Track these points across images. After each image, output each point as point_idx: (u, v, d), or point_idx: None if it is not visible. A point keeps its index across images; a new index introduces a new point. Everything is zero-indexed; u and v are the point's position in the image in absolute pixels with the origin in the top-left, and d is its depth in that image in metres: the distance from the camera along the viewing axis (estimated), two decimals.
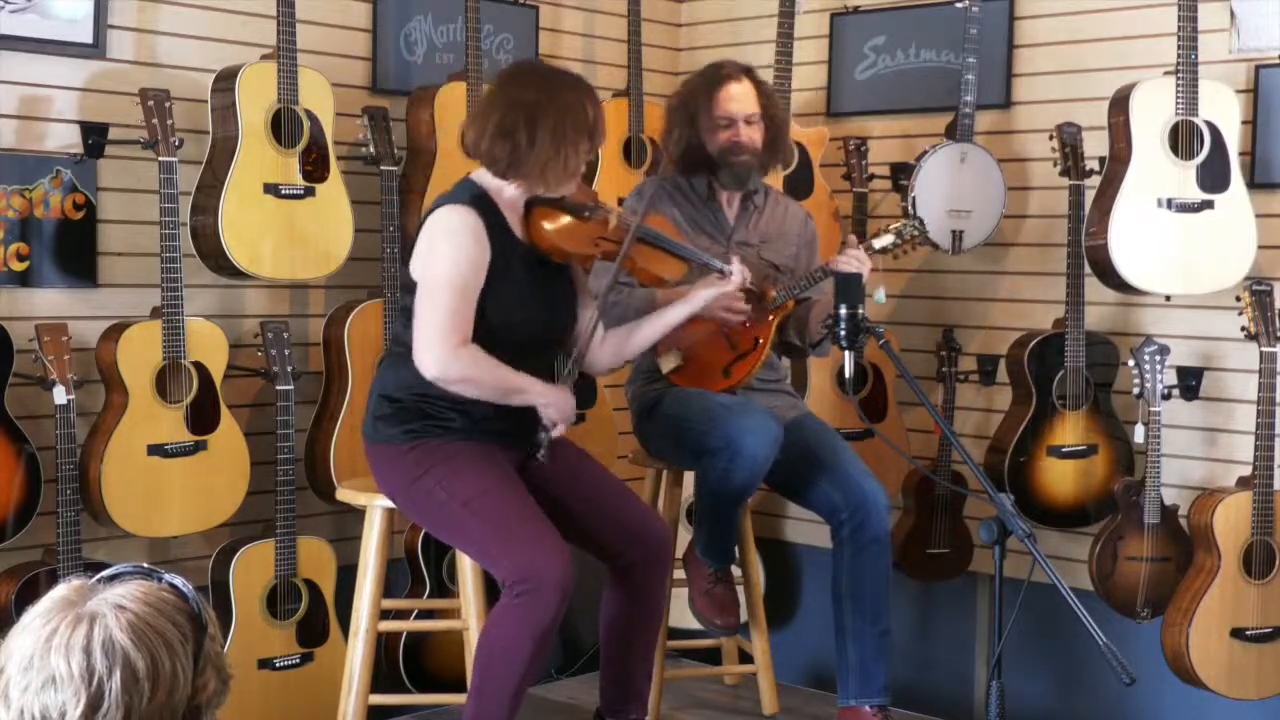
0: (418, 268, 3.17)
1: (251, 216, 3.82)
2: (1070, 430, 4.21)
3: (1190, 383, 4.17)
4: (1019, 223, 4.49)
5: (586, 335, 3.31)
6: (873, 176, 4.62)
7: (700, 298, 3.45)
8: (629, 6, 4.72)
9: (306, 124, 3.90)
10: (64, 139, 3.78)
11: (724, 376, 3.75)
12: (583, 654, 4.71)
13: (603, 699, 3.49)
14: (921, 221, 3.86)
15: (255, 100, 3.82)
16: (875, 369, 4.56)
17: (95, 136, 3.78)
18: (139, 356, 3.68)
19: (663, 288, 3.52)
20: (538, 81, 3.23)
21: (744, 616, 3.94)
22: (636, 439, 3.92)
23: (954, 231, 4.29)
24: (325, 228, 3.95)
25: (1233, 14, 4.08)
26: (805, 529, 4.88)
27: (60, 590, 1.53)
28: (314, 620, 3.98)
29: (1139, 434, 4.02)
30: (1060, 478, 4.22)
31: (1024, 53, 4.50)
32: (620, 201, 4.49)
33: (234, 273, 3.86)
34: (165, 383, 3.71)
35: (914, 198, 4.24)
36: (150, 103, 3.67)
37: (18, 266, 3.71)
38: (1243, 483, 3.97)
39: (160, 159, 3.66)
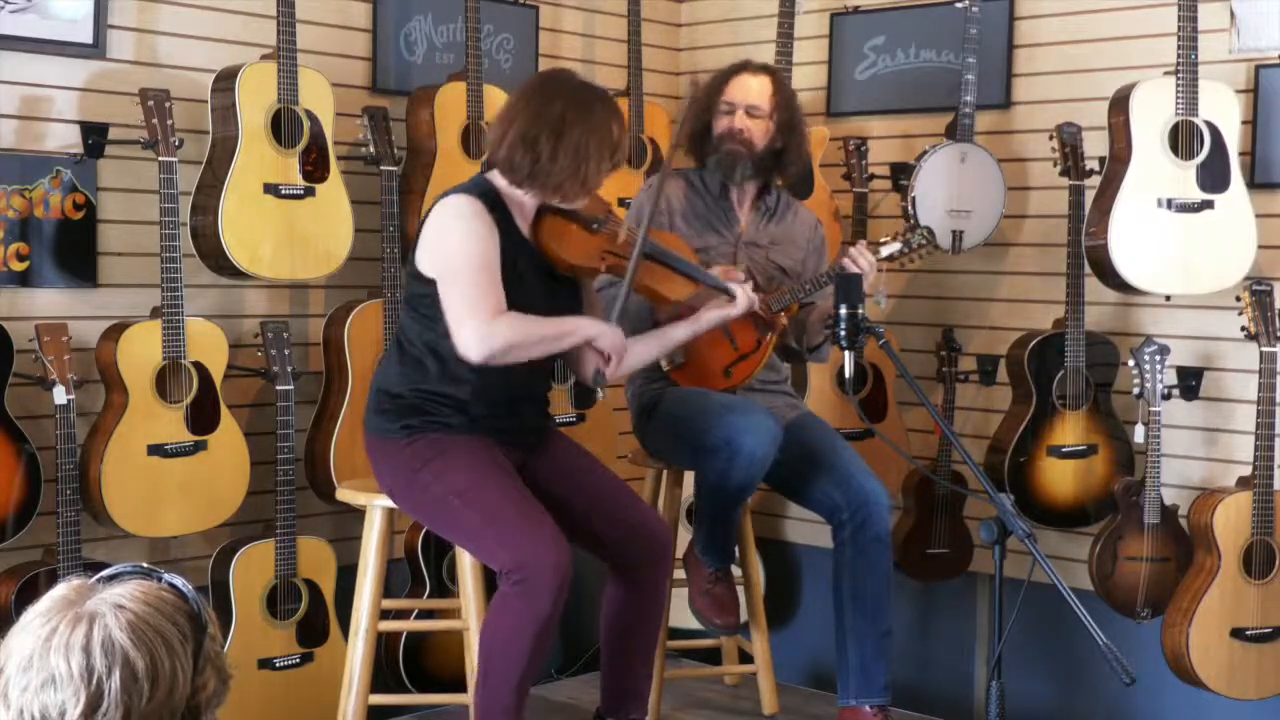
0: (425, 258, 3.15)
1: (251, 216, 3.82)
2: (1070, 430, 4.21)
3: (1190, 383, 4.17)
4: (1019, 223, 4.49)
5: (622, 300, 3.29)
6: (873, 176, 4.62)
7: (705, 321, 3.44)
8: (629, 6, 4.72)
9: (306, 124, 3.90)
10: (64, 139, 3.78)
11: (725, 377, 3.75)
12: (583, 654, 4.71)
13: (603, 698, 3.49)
14: (930, 231, 3.86)
15: (255, 100, 3.82)
16: (875, 369, 4.56)
17: (95, 136, 3.78)
18: (139, 356, 3.68)
19: (666, 308, 3.48)
20: (567, 95, 3.20)
21: (744, 616, 3.94)
22: (636, 439, 3.92)
23: (954, 231, 4.29)
24: (325, 228, 3.95)
25: (1233, 14, 4.08)
26: (805, 529, 4.88)
27: (60, 590, 1.53)
28: (314, 620, 3.98)
29: (1139, 434, 4.02)
30: (1060, 478, 4.22)
31: (1024, 53, 4.50)
32: (621, 202, 4.51)
33: (234, 273, 3.86)
34: (165, 383, 3.71)
35: (914, 198, 4.24)
36: (150, 103, 3.67)
37: (18, 266, 3.71)
38: (1243, 483, 3.97)
39: (160, 159, 3.66)
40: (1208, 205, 3.92)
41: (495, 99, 4.15)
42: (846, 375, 3.09)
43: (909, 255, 3.82)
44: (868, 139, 4.65)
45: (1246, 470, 3.96)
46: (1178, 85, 3.88)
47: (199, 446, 3.77)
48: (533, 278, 3.20)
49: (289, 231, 3.88)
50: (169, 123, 3.67)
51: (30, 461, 3.55)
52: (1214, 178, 3.92)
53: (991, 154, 4.34)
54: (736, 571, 3.93)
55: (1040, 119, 4.40)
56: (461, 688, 3.70)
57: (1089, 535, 4.21)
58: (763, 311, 3.59)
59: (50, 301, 3.78)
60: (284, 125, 3.86)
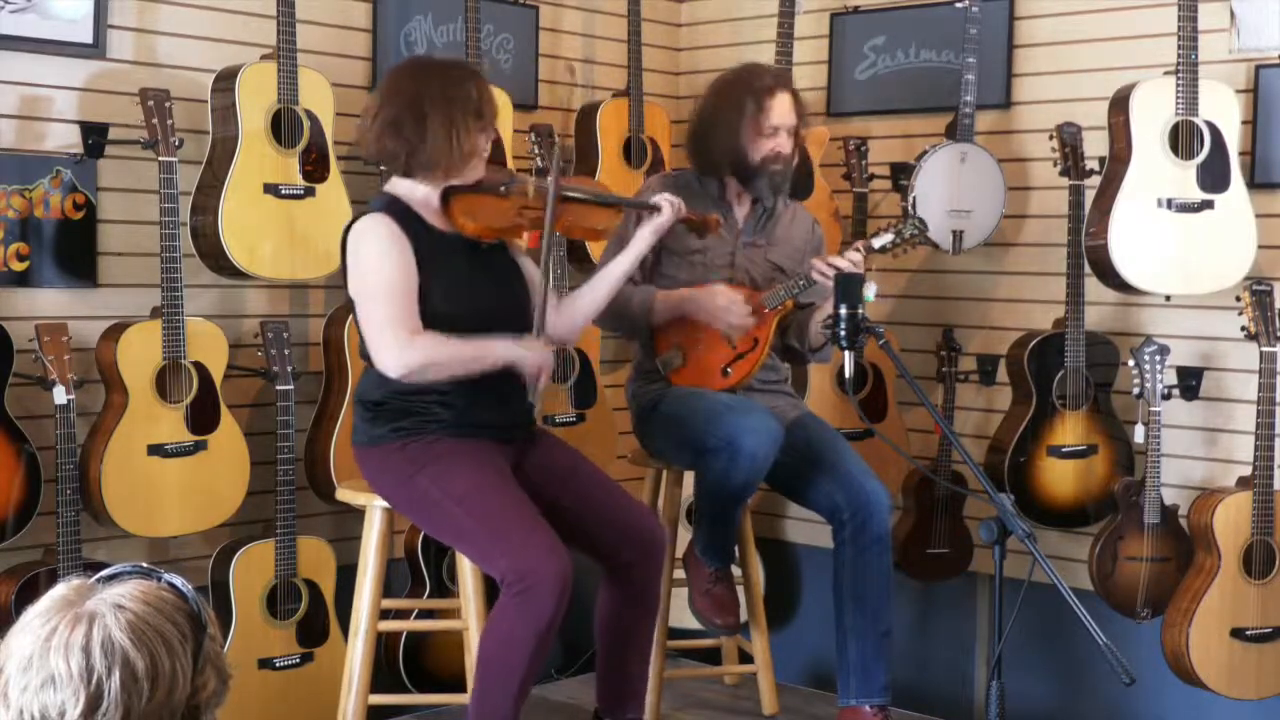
0: (350, 281, 3.22)
1: (251, 216, 3.82)
2: (1070, 430, 4.21)
3: (1190, 383, 4.17)
4: (1019, 223, 4.49)
5: (541, 304, 3.31)
6: (873, 176, 4.62)
7: (641, 237, 3.50)
8: (629, 6, 4.72)
9: (306, 124, 3.90)
10: (64, 139, 3.78)
11: (724, 376, 3.76)
12: (583, 654, 4.71)
13: (600, 699, 3.49)
14: (922, 221, 3.87)
15: (255, 100, 3.82)
16: (875, 369, 4.56)
17: (95, 136, 3.78)
18: (139, 356, 3.68)
19: (600, 240, 3.56)
20: (414, 73, 3.29)
21: (744, 616, 3.94)
22: (636, 439, 3.92)
23: (954, 231, 4.29)
24: (325, 228, 3.95)
25: (1233, 14, 4.08)
26: (805, 529, 4.88)
27: (60, 590, 1.52)
28: (314, 620, 3.98)
29: (1139, 434, 4.02)
30: (1060, 478, 4.22)
31: (1024, 53, 4.50)
32: None
33: (234, 273, 3.86)
34: (165, 383, 3.71)
35: (914, 198, 4.24)
36: (150, 103, 3.67)
37: (18, 266, 3.71)
38: (1243, 483, 3.97)
39: (160, 159, 3.66)
40: (1208, 205, 3.92)
41: (495, 99, 4.15)
42: (846, 375, 3.09)
43: (901, 246, 3.81)
44: (868, 139, 4.65)
45: (1246, 470, 3.96)
46: (1178, 85, 3.88)
47: (199, 446, 3.77)
48: (459, 266, 3.23)
49: (289, 231, 3.88)
50: (169, 123, 3.67)
51: (30, 461, 3.55)
52: (1214, 178, 3.92)
53: (991, 154, 4.33)
54: (736, 571, 3.93)
55: (1040, 119, 4.40)
56: (461, 688, 3.69)
57: (1089, 535, 4.21)
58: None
59: (50, 301, 3.78)
60: (284, 125, 3.86)
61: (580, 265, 4.47)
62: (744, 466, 3.50)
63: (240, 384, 4.02)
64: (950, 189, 4.27)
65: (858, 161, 4.58)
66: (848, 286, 3.09)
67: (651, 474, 4.00)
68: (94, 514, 3.67)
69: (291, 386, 3.91)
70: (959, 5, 4.29)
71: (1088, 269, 4.10)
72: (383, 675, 4.06)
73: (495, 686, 3.11)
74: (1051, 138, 4.18)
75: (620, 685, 3.45)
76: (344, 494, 3.57)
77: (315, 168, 3.92)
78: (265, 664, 3.90)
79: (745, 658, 4.24)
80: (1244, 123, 4.01)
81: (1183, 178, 3.91)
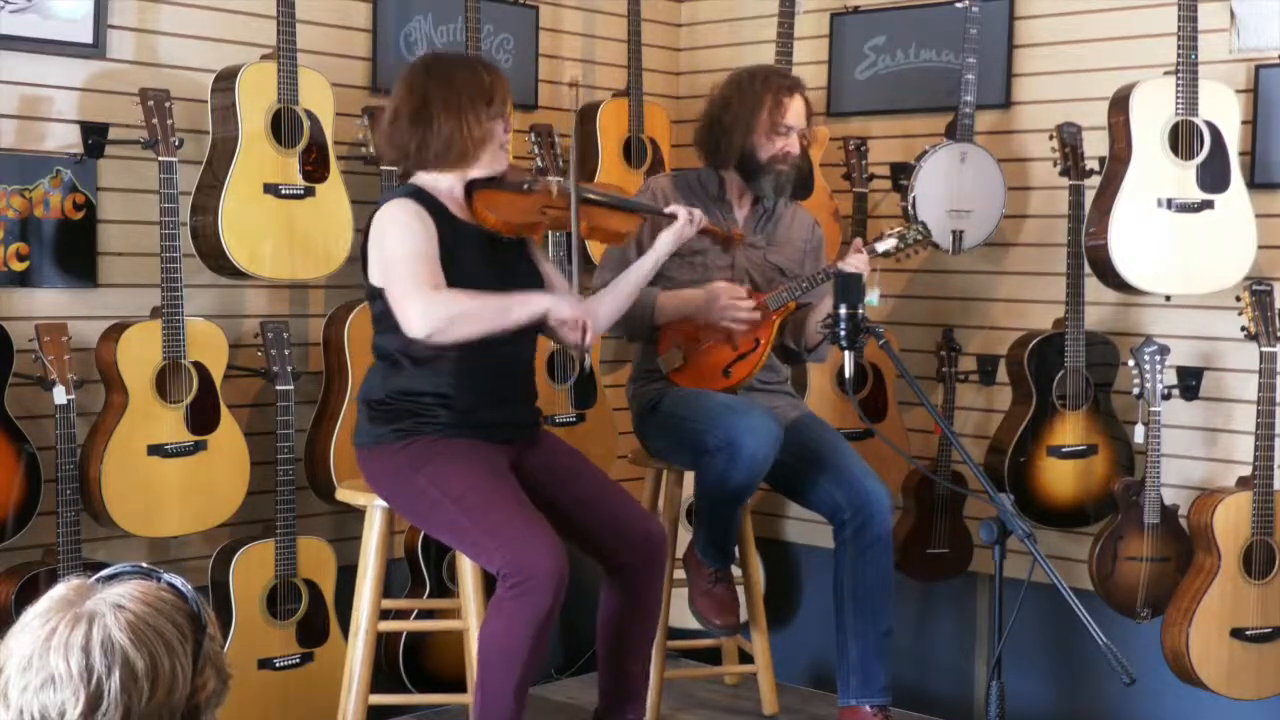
0: (373, 262, 3.21)
1: (251, 216, 3.82)
2: (1070, 430, 4.21)
3: (1190, 383, 4.17)
4: (1019, 223, 4.49)
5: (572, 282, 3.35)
6: (873, 176, 4.62)
7: (662, 243, 3.50)
8: (629, 6, 4.72)
9: (306, 124, 3.90)
10: (64, 139, 3.78)
11: (724, 377, 3.76)
12: (583, 654, 4.71)
13: (601, 699, 3.49)
14: (925, 226, 3.88)
15: (255, 100, 3.82)
16: (875, 369, 4.56)
17: (95, 136, 3.78)
18: (139, 356, 3.68)
19: (620, 244, 3.57)
20: (421, 68, 3.30)
21: (744, 616, 3.94)
22: (636, 439, 3.92)
23: (954, 231, 4.29)
24: (325, 228, 3.95)
25: (1233, 14, 4.08)
26: (805, 529, 4.88)
27: (59, 590, 1.52)
28: (314, 620, 3.98)
29: (1139, 434, 4.02)
30: (1060, 478, 4.22)
31: (1024, 53, 4.50)
32: None
33: (234, 273, 3.86)
34: (165, 383, 3.71)
35: (914, 198, 4.24)
36: (150, 103, 3.67)
37: (18, 266, 3.71)
38: (1243, 483, 3.97)
39: (160, 159, 3.66)
40: (1208, 205, 3.92)
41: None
42: (846, 375, 3.09)
43: (905, 251, 3.82)
44: (868, 139, 4.65)
45: (1246, 470, 3.96)
46: (1178, 85, 3.88)
47: (199, 446, 3.77)
48: (478, 258, 3.23)
49: (289, 231, 3.88)
50: (169, 123, 3.67)
51: (30, 461, 3.55)
52: (1214, 178, 3.92)
53: (991, 154, 4.33)
54: (736, 571, 3.93)
55: (1040, 119, 4.40)
56: (461, 688, 3.70)
57: (1089, 535, 4.21)
58: (713, 227, 3.61)
59: (50, 301, 3.78)
60: (284, 125, 3.86)
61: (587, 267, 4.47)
62: (744, 467, 3.50)
63: (240, 384, 4.02)
64: (950, 189, 4.27)
65: (858, 161, 4.58)
66: (847, 286, 3.09)
67: (651, 474, 4.00)
68: (94, 514, 3.67)
69: (291, 386, 3.91)
70: (959, 5, 4.29)
71: (1088, 269, 4.09)
72: (383, 675, 4.06)
73: (494, 681, 3.11)
74: (1051, 138, 4.18)
75: (621, 685, 3.45)
76: (344, 494, 3.57)
77: (315, 168, 3.92)
78: (265, 664, 3.90)
79: (745, 658, 4.24)
80: (1244, 123, 4.01)
81: (1183, 178, 3.91)
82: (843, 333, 3.06)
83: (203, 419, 3.78)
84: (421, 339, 3.11)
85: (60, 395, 3.52)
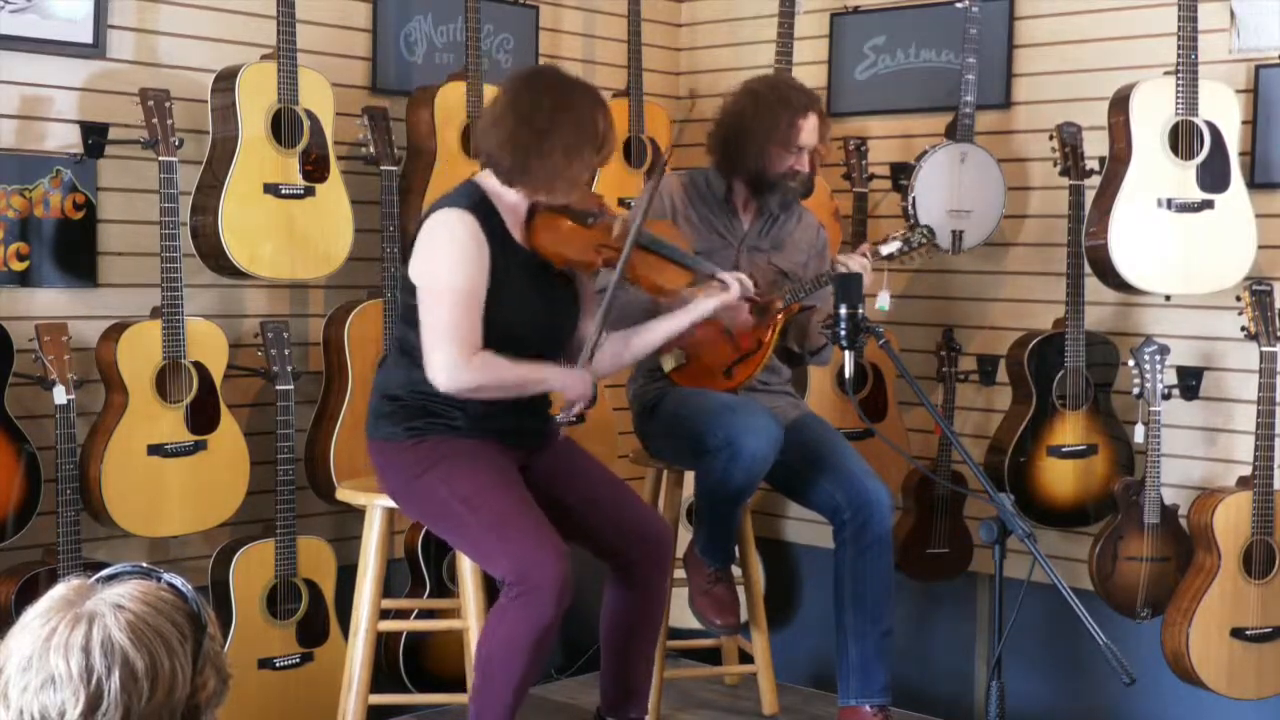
0: (418, 270, 3.16)
1: (251, 216, 3.82)
2: (1070, 430, 4.21)
3: (1190, 383, 4.17)
4: (1019, 223, 4.49)
5: (590, 341, 3.30)
6: (873, 176, 4.62)
7: (701, 307, 3.43)
8: (629, 6, 4.72)
9: (306, 124, 3.90)
10: (64, 139, 3.78)
11: (726, 377, 3.75)
12: (583, 654, 4.71)
13: (603, 698, 3.49)
14: (930, 230, 3.88)
15: (255, 100, 3.82)
16: (875, 369, 4.56)
17: (95, 136, 3.78)
18: (139, 356, 3.68)
19: (665, 297, 3.47)
20: (553, 91, 3.21)
21: (744, 616, 3.94)
22: (637, 438, 3.92)
23: (954, 231, 4.29)
24: (325, 228, 3.95)
25: (1233, 14, 4.08)
26: (805, 529, 4.88)
27: (59, 590, 1.52)
28: (314, 620, 3.98)
29: (1139, 434, 4.02)
30: (1060, 478, 4.22)
31: (1024, 53, 4.50)
32: (621, 203, 4.51)
33: (234, 273, 3.86)
34: (165, 383, 3.71)
35: (914, 198, 4.24)
36: (150, 103, 3.67)
37: (18, 266, 3.71)
38: (1243, 483, 3.97)
39: (160, 159, 3.66)
40: (1208, 205, 3.92)
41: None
42: (846, 375, 3.08)
43: (909, 254, 3.83)
44: (868, 139, 4.65)
45: (1246, 470, 3.96)
46: (1178, 85, 3.88)
47: (199, 446, 3.77)
48: (526, 282, 3.20)
49: (289, 231, 3.88)
50: (169, 123, 3.67)
51: (30, 461, 3.55)
52: (1214, 178, 3.92)
53: (991, 154, 4.33)
54: (736, 571, 3.93)
55: (1040, 119, 4.40)
56: (461, 688, 3.70)
57: (1089, 535, 4.21)
58: (758, 297, 3.58)
59: (50, 301, 3.78)
60: (284, 125, 3.86)
61: None
62: (744, 467, 3.50)
63: (240, 384, 4.02)
64: (950, 189, 4.27)
65: (858, 161, 4.58)
66: (848, 286, 3.09)
67: (652, 474, 4.00)
68: (94, 514, 3.67)
69: (291, 386, 3.91)
70: (959, 5, 4.29)
71: (1088, 269, 4.09)
72: (383, 675, 4.06)
73: (493, 687, 3.11)
74: (1051, 138, 4.18)
75: (623, 684, 3.45)
76: (344, 494, 3.57)
77: (315, 168, 3.92)
78: (265, 664, 3.90)
79: (745, 658, 4.24)
80: (1244, 123, 4.01)
81: (1183, 178, 3.91)
82: (843, 333, 3.05)
83: (203, 419, 3.78)
84: (438, 390, 3.13)
85: (60, 395, 3.52)
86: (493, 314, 3.14)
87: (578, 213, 3.25)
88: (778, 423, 3.57)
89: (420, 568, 4.23)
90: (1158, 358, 3.98)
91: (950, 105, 4.34)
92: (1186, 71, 3.87)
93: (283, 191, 3.87)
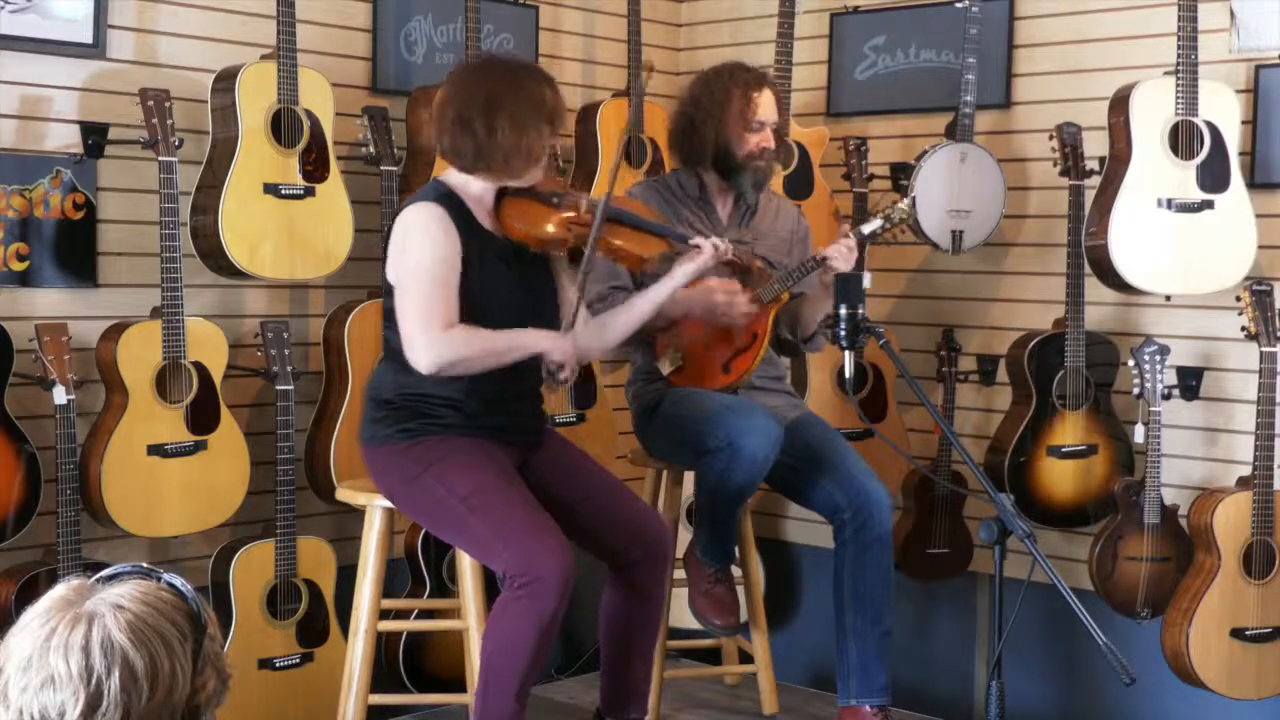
0: (391, 267, 3.20)
1: (251, 216, 3.82)
2: (1070, 430, 4.21)
3: (1190, 383, 4.17)
4: (1019, 223, 4.49)
5: (569, 319, 3.31)
6: (873, 176, 4.62)
7: (680, 273, 3.44)
8: (629, 6, 4.72)
9: (306, 124, 3.90)
10: (64, 139, 3.78)
11: (724, 373, 3.76)
12: (583, 654, 4.71)
13: (602, 698, 3.49)
14: (912, 203, 3.88)
15: (255, 100, 3.82)
16: (875, 369, 4.56)
17: (95, 136, 3.78)
18: (139, 356, 3.68)
19: (645, 268, 3.51)
20: (492, 72, 3.26)
21: (744, 616, 3.94)
22: (637, 439, 3.92)
23: (954, 231, 4.29)
24: (325, 228, 3.95)
25: (1233, 14, 4.08)
26: (805, 529, 4.88)
27: (59, 590, 1.52)
28: (314, 620, 3.98)
29: (1139, 434, 4.02)
30: (1060, 478, 4.22)
31: (1024, 53, 4.50)
32: None
33: (234, 273, 3.86)
34: (165, 383, 3.71)
35: (914, 198, 4.24)
36: (150, 103, 3.67)
37: (18, 266, 3.71)
38: (1243, 483, 3.97)
39: (160, 159, 3.66)
40: (1208, 205, 3.92)
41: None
42: (846, 375, 3.09)
43: (891, 231, 3.80)
44: (868, 139, 4.65)
45: (1246, 470, 3.96)
46: (1178, 85, 3.88)
47: (199, 446, 3.77)
48: (499, 267, 3.22)
49: (289, 231, 3.88)
50: (169, 123, 3.67)
51: (30, 461, 3.55)
52: (1214, 178, 3.92)
53: (991, 154, 4.33)
54: (736, 571, 3.93)
55: (1040, 119, 4.40)
56: (461, 687, 3.70)
57: (1089, 535, 4.21)
58: (736, 258, 3.59)
59: (50, 301, 3.78)
60: (284, 125, 3.86)
61: None
62: (744, 467, 3.50)
63: (240, 384, 4.02)
64: (950, 189, 4.27)
65: (857, 161, 4.58)
66: (848, 286, 3.09)
67: (652, 474, 4.00)
68: (94, 514, 3.67)
69: (291, 386, 3.91)
70: (959, 5, 4.29)
71: (1088, 269, 4.10)
72: (383, 675, 4.06)
73: (498, 682, 3.11)
74: (1051, 138, 4.19)
75: (623, 685, 3.45)
76: (344, 494, 3.57)
77: (315, 168, 3.92)
78: (265, 664, 3.90)
79: (745, 658, 4.24)
80: (1244, 123, 4.01)
81: (1183, 178, 3.91)
82: (843, 333, 3.05)
83: (203, 419, 3.78)
84: (423, 373, 3.13)
85: (60, 395, 3.52)
86: (471, 300, 3.16)
87: (544, 194, 3.30)
88: (778, 423, 3.57)
89: (420, 568, 4.23)
90: (1158, 358, 3.98)
91: (950, 105, 4.34)
92: (1186, 71, 3.87)
93: (283, 191, 3.87)
